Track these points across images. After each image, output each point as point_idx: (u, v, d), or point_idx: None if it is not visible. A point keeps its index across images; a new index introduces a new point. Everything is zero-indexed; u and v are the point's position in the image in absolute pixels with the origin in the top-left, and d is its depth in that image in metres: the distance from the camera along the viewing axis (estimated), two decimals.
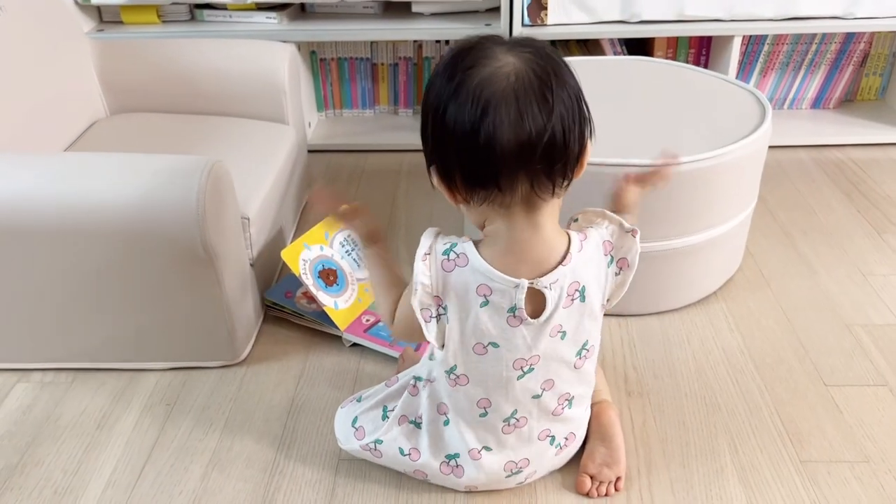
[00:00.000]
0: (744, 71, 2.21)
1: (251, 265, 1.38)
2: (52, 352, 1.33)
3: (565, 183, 0.85)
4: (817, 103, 2.29)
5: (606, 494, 1.07)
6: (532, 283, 0.88)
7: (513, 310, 0.89)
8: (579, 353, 0.98)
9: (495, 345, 0.92)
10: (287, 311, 1.43)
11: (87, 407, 1.28)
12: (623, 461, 1.10)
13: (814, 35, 2.14)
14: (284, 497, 1.10)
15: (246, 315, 1.36)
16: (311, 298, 1.40)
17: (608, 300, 0.98)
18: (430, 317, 0.91)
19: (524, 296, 0.88)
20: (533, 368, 0.95)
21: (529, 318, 0.90)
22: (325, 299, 1.37)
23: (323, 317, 1.38)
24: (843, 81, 2.24)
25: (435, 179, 0.87)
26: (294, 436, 1.21)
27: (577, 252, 0.91)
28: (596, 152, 1.28)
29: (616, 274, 0.96)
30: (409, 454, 1.06)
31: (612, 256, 0.95)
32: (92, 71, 1.68)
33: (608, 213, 0.96)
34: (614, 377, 1.31)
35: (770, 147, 2.06)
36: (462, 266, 0.89)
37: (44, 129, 1.49)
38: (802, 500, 1.07)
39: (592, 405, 1.13)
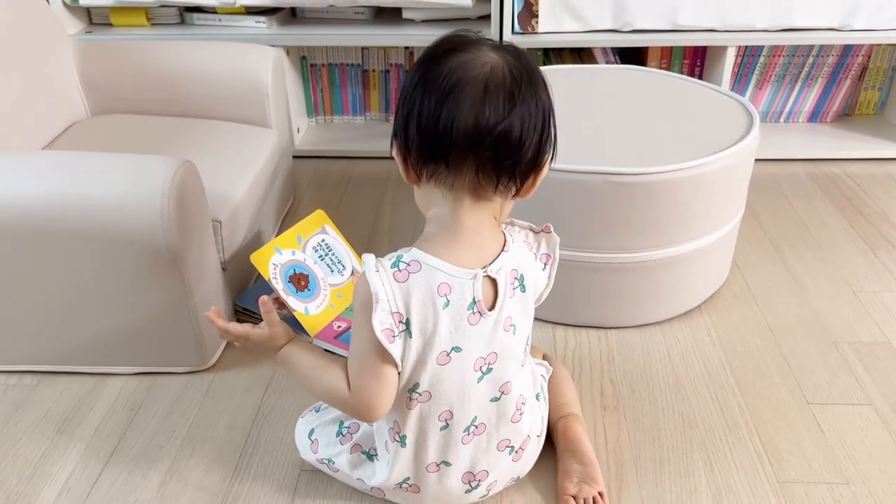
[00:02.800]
0: (739, 83, 2.18)
1: (223, 269, 1.36)
2: (16, 354, 1.31)
3: (511, 185, 0.86)
4: (814, 117, 2.25)
5: None
6: (485, 272, 0.89)
7: (472, 305, 0.89)
8: (525, 350, 0.99)
9: (458, 349, 0.90)
10: (257, 317, 1.39)
11: (49, 410, 1.25)
12: (600, 475, 1.07)
13: (811, 47, 2.11)
14: None
15: None
16: (283, 304, 1.37)
17: (538, 297, 1.00)
18: (393, 336, 0.87)
19: (481, 286, 0.89)
20: (491, 369, 0.94)
21: (487, 311, 0.90)
22: (296, 304, 1.33)
23: (293, 322, 1.34)
24: (840, 95, 2.20)
25: (394, 150, 0.88)
26: (257, 445, 1.18)
27: (513, 243, 0.93)
28: (582, 160, 1.28)
29: (542, 269, 0.99)
30: (359, 479, 1.05)
31: (535, 253, 0.98)
32: (74, 71, 1.67)
33: (515, 220, 0.99)
34: (590, 390, 1.27)
35: (764, 160, 2.05)
36: (416, 272, 0.87)
37: (20, 130, 1.46)
38: None
39: (559, 419, 1.10)
